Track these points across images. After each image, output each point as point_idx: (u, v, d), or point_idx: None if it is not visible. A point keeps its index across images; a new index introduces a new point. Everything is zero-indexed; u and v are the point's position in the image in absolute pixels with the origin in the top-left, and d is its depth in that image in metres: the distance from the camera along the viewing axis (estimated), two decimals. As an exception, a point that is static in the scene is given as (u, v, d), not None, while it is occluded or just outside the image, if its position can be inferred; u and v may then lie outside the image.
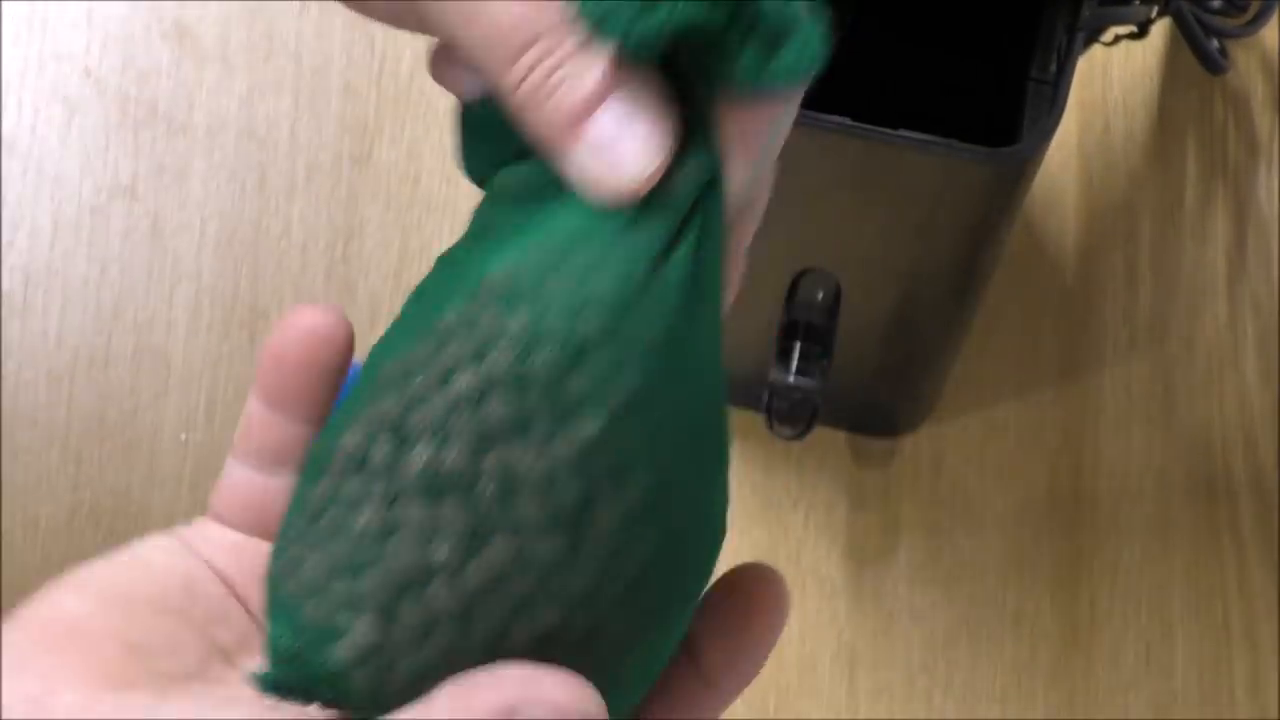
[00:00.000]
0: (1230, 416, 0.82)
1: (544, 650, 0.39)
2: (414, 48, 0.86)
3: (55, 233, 0.82)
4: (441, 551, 0.39)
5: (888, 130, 0.62)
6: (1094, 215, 0.85)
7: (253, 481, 0.43)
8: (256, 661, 0.40)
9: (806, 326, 0.72)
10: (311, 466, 0.42)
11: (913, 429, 0.81)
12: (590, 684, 0.37)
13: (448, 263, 0.42)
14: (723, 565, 0.77)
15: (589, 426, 0.39)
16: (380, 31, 0.86)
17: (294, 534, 0.41)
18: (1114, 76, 0.87)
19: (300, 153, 0.84)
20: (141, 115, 0.84)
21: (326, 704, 0.40)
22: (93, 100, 0.84)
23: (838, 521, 0.79)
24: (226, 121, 0.85)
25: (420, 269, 0.46)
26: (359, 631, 0.40)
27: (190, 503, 0.77)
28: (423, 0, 0.37)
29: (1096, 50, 0.78)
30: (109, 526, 0.77)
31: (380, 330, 0.41)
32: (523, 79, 0.37)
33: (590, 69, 0.36)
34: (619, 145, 0.37)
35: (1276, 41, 0.87)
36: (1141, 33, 0.75)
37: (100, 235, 0.82)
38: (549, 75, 0.36)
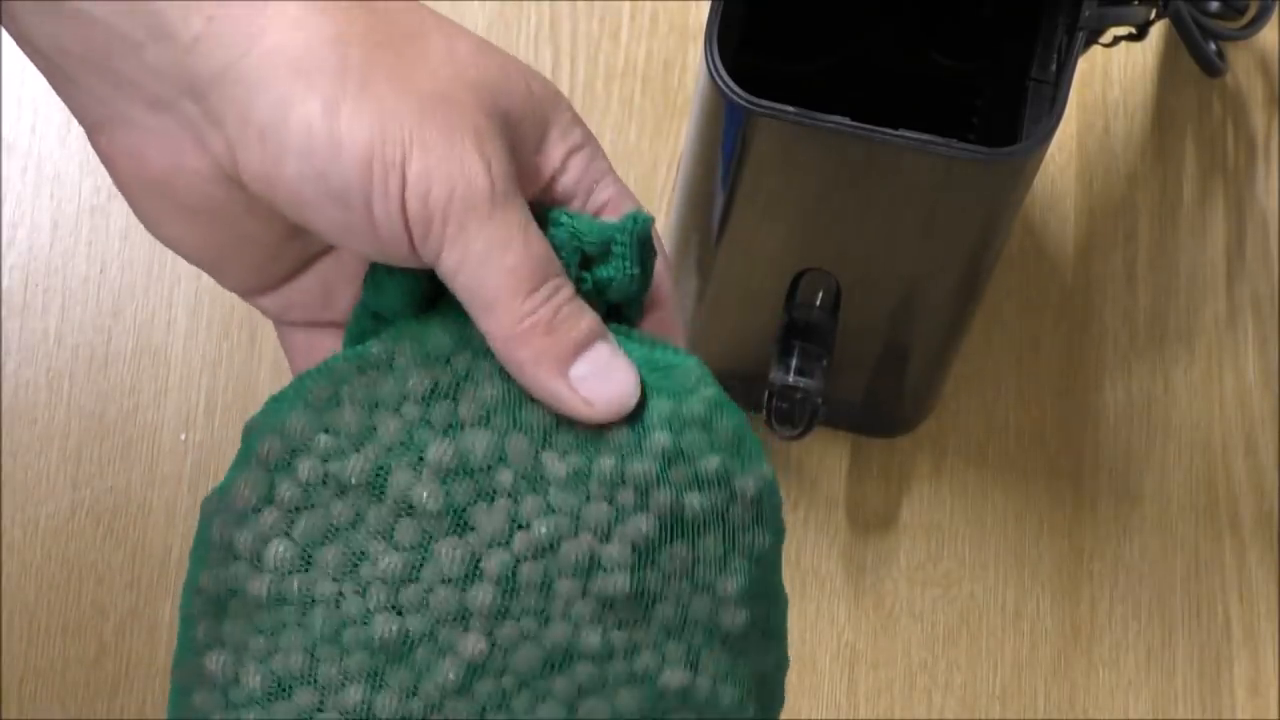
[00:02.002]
0: (1230, 416, 0.82)
1: None
2: (414, 48, 0.86)
3: (55, 233, 0.82)
4: None
5: (888, 130, 0.62)
6: (1094, 215, 0.85)
7: None
8: None
9: (806, 326, 0.72)
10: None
11: (913, 429, 0.81)
12: None
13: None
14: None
15: None
16: (380, 31, 0.86)
17: None
18: (1114, 77, 0.87)
19: (300, 152, 0.84)
20: (141, 115, 0.84)
21: None
22: (93, 100, 0.84)
23: (838, 521, 0.79)
24: (226, 121, 0.85)
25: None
26: None
27: (190, 502, 0.77)
28: (429, 234, 0.44)
29: (1096, 50, 0.78)
30: (109, 525, 0.77)
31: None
32: (531, 314, 0.45)
33: (586, 310, 0.46)
34: (614, 371, 0.46)
35: (1274, 42, 0.88)
36: (1140, 34, 0.75)
37: (100, 235, 0.82)
38: (556, 312, 0.46)
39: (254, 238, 0.47)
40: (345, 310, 0.49)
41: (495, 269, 0.45)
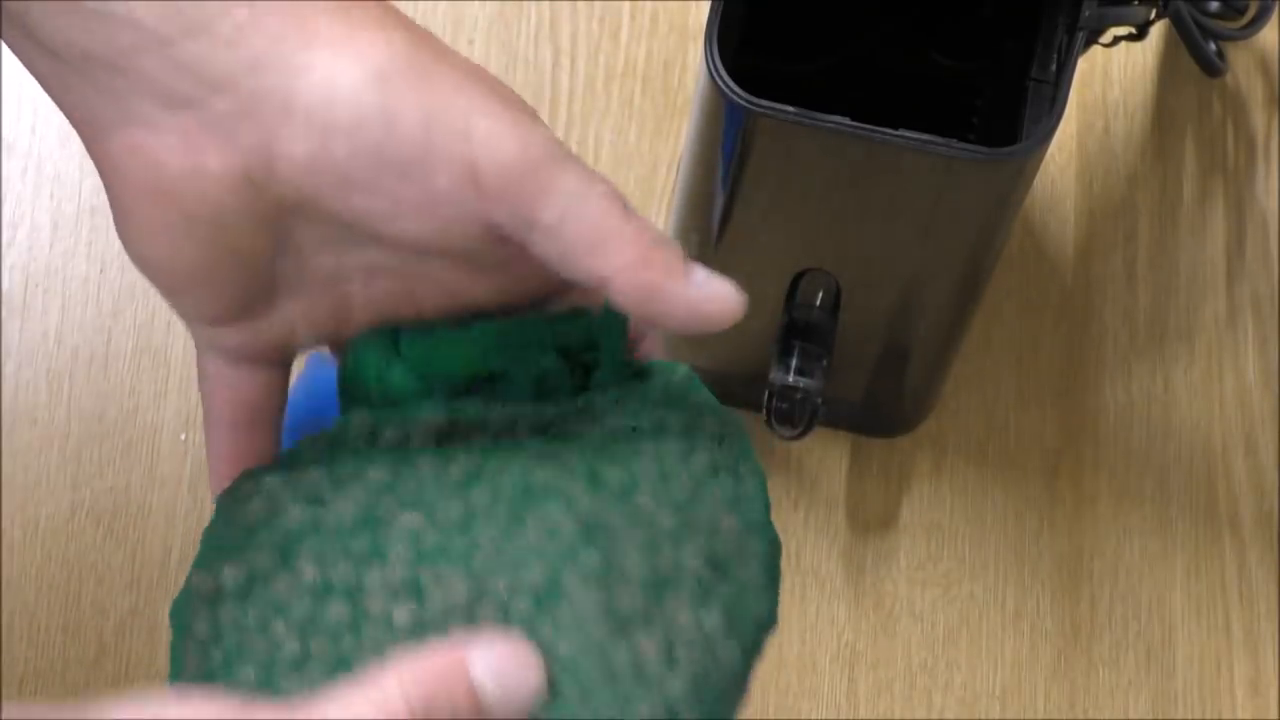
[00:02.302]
0: (1230, 416, 0.82)
1: None
2: (414, 48, 0.86)
3: (55, 233, 0.82)
4: None
5: (888, 130, 0.62)
6: (1094, 215, 0.85)
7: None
8: None
9: (806, 326, 0.72)
10: None
11: (913, 429, 0.81)
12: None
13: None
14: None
15: None
16: (380, 31, 0.86)
17: None
18: (1114, 77, 0.87)
19: (300, 153, 0.84)
20: (141, 115, 0.84)
21: None
22: (93, 100, 0.84)
23: (838, 521, 0.79)
24: (226, 121, 0.85)
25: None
26: None
27: (190, 503, 0.77)
28: (516, 196, 0.44)
29: (1096, 50, 0.78)
30: (109, 525, 0.77)
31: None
32: (642, 230, 0.45)
33: (674, 243, 0.46)
34: (715, 283, 0.47)
35: (1274, 42, 0.88)
36: (1140, 34, 0.75)
37: (100, 235, 0.82)
38: (658, 244, 0.45)
39: (244, 253, 0.46)
40: (287, 352, 0.49)
41: (595, 204, 0.44)
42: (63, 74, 0.44)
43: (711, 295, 0.46)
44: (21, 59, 0.45)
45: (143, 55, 0.43)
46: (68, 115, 0.46)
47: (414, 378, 0.47)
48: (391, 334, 0.48)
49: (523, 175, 0.44)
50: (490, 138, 0.43)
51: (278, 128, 0.43)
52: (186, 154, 0.44)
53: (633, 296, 0.45)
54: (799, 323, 0.72)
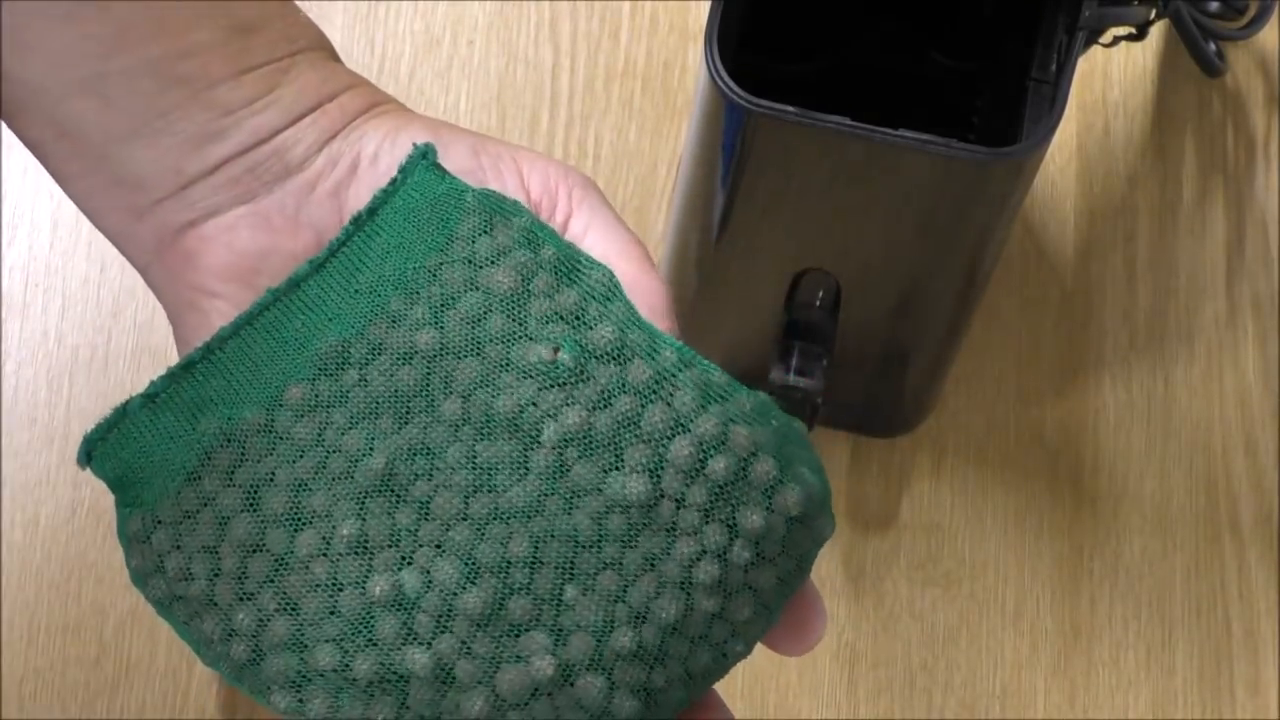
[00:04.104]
0: (1230, 416, 0.82)
1: None
2: (414, 46, 0.86)
3: (55, 233, 0.82)
4: None
5: (888, 130, 0.62)
6: (1094, 215, 0.85)
7: None
8: None
9: (806, 326, 0.72)
10: None
11: (913, 429, 0.81)
12: None
13: None
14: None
15: None
16: (380, 31, 0.86)
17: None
18: (1114, 77, 0.87)
19: (300, 153, 0.84)
20: (141, 115, 0.84)
21: None
22: (93, 100, 0.84)
23: (838, 521, 0.79)
24: (226, 121, 0.85)
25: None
26: None
27: (190, 502, 0.77)
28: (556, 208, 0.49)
29: (1096, 51, 0.78)
30: (109, 525, 0.77)
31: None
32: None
33: None
34: None
35: (1274, 42, 0.88)
36: (1140, 34, 0.75)
37: (100, 235, 0.82)
38: None
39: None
40: None
41: (619, 231, 0.49)
42: (150, 188, 0.48)
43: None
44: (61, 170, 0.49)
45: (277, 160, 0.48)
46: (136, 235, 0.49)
47: None
48: None
49: (565, 180, 0.50)
50: (533, 158, 0.49)
51: (345, 174, 0.48)
52: (263, 232, 0.48)
53: (635, 292, 0.49)
54: (799, 323, 0.72)
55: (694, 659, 0.46)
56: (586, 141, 0.85)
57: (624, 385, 0.46)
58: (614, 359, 0.46)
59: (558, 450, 0.45)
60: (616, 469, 0.45)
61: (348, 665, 0.45)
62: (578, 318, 0.46)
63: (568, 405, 0.46)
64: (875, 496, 0.80)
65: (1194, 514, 0.80)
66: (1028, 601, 0.79)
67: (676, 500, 0.45)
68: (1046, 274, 0.84)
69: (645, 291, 0.48)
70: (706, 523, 0.45)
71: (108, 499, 0.77)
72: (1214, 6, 0.83)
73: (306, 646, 0.45)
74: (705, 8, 0.64)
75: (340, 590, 0.45)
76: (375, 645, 0.45)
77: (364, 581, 0.45)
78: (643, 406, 0.46)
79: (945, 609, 0.78)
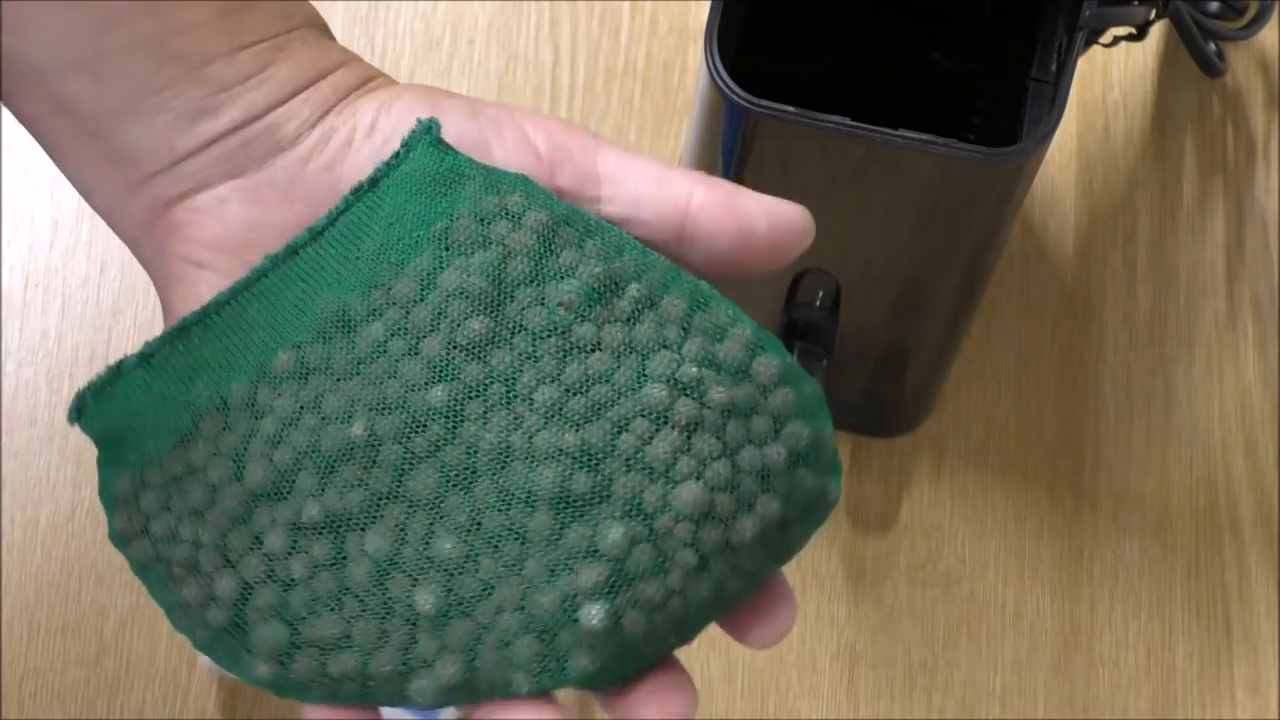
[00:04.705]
0: (1230, 416, 0.82)
1: None
2: (414, 46, 0.86)
3: (55, 233, 0.82)
4: None
5: (888, 130, 0.62)
6: (1094, 215, 0.85)
7: None
8: None
9: (806, 326, 0.72)
10: None
11: (913, 429, 0.81)
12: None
13: None
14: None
15: None
16: (380, 30, 0.86)
17: None
18: (1114, 77, 0.87)
19: (300, 153, 0.84)
20: (141, 115, 0.84)
21: None
22: (93, 100, 0.84)
23: (838, 521, 0.79)
24: (226, 121, 0.85)
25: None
26: None
27: (190, 502, 0.77)
28: (574, 159, 0.48)
29: (1096, 51, 0.78)
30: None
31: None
32: (700, 175, 0.48)
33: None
34: (774, 199, 0.48)
35: (1274, 42, 0.88)
36: (1140, 34, 0.75)
37: (100, 235, 0.82)
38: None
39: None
40: None
41: (645, 156, 0.48)
42: (140, 164, 0.48)
43: (778, 203, 0.47)
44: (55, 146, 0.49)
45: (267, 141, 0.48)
46: (124, 213, 0.49)
47: None
48: None
49: (572, 133, 0.48)
50: (531, 116, 0.48)
51: (340, 147, 0.48)
52: (253, 204, 0.48)
53: (716, 210, 0.47)
54: (799, 323, 0.72)
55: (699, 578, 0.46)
56: (586, 141, 0.85)
57: (640, 313, 0.46)
58: (619, 293, 0.46)
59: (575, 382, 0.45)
60: (642, 378, 0.45)
61: (346, 634, 0.45)
62: (593, 271, 0.46)
63: (582, 345, 0.45)
64: (875, 497, 0.80)
65: (1194, 514, 0.80)
66: (1028, 602, 0.79)
67: (698, 404, 0.45)
68: (1046, 274, 0.84)
69: (711, 216, 0.47)
70: (724, 429, 0.45)
71: (108, 499, 0.77)
72: (1214, 6, 0.83)
73: (294, 616, 0.45)
74: (705, 8, 0.64)
75: (321, 558, 0.45)
76: (368, 610, 0.45)
77: (343, 546, 0.45)
78: (659, 329, 0.46)
79: (945, 609, 0.78)
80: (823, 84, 0.75)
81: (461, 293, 0.46)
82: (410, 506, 0.45)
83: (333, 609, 0.45)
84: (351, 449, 0.45)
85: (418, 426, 0.45)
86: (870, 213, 0.67)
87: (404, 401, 0.45)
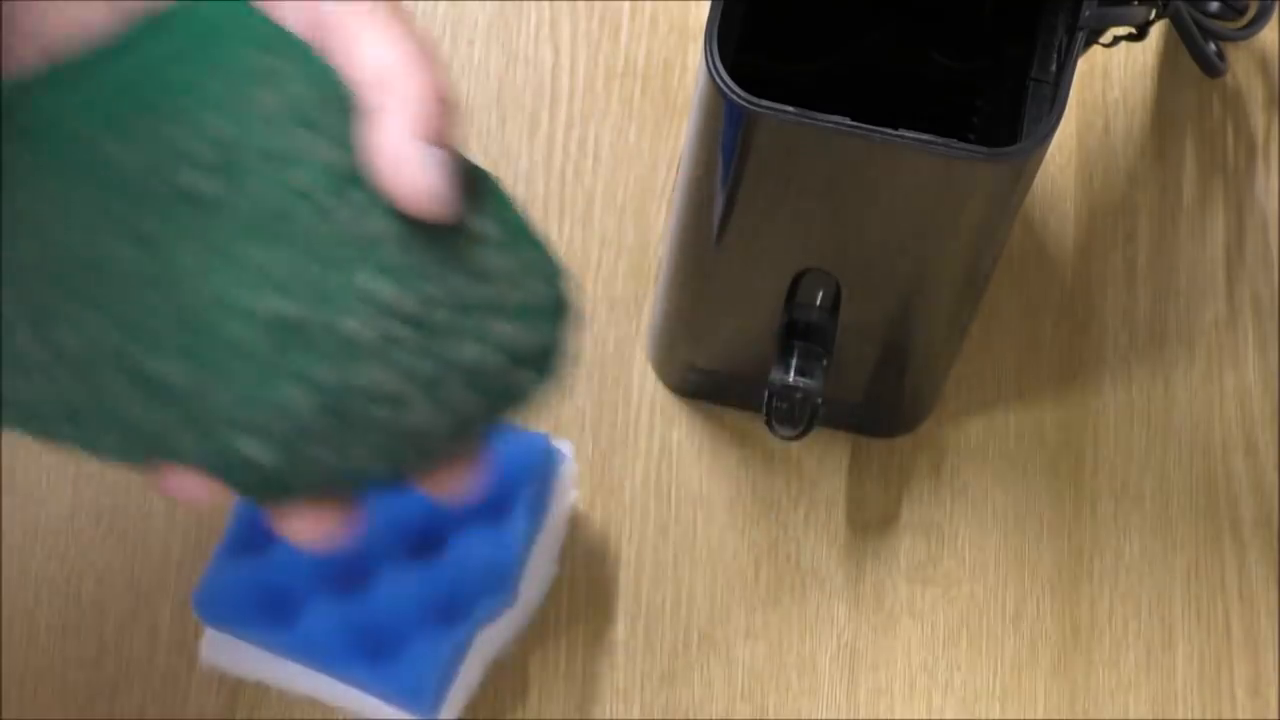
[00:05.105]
0: (1230, 416, 0.82)
1: None
2: (414, 48, 0.86)
3: (55, 232, 0.82)
4: None
5: (888, 130, 0.62)
6: (1094, 215, 0.85)
7: None
8: None
9: (806, 326, 0.72)
10: None
11: (913, 429, 0.81)
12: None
13: None
14: (724, 561, 0.78)
15: None
16: (380, 31, 0.85)
17: None
18: (1114, 77, 0.87)
19: (300, 153, 0.84)
20: (141, 115, 0.84)
21: None
22: (93, 100, 0.84)
23: (838, 521, 0.79)
24: (226, 121, 0.84)
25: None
26: None
27: (190, 502, 0.77)
28: None
29: (1096, 50, 0.78)
30: (109, 525, 0.77)
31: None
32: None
33: None
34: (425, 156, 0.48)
35: (1274, 42, 0.88)
36: (1140, 34, 0.75)
37: (100, 235, 0.82)
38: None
39: None
40: None
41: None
42: None
43: (416, 168, 0.48)
44: None
45: None
46: None
47: None
48: None
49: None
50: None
51: None
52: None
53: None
54: (799, 323, 0.72)
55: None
56: (586, 141, 0.85)
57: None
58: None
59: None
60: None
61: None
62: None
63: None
64: (875, 497, 0.80)
65: (1194, 514, 0.80)
66: (1028, 602, 0.79)
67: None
68: (1046, 274, 0.84)
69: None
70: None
71: (108, 499, 0.78)
72: (1214, 6, 0.83)
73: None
74: (705, 8, 0.64)
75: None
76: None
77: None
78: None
79: (945, 609, 0.78)
80: (823, 84, 0.75)
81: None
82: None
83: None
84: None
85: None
86: (870, 213, 0.67)
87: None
